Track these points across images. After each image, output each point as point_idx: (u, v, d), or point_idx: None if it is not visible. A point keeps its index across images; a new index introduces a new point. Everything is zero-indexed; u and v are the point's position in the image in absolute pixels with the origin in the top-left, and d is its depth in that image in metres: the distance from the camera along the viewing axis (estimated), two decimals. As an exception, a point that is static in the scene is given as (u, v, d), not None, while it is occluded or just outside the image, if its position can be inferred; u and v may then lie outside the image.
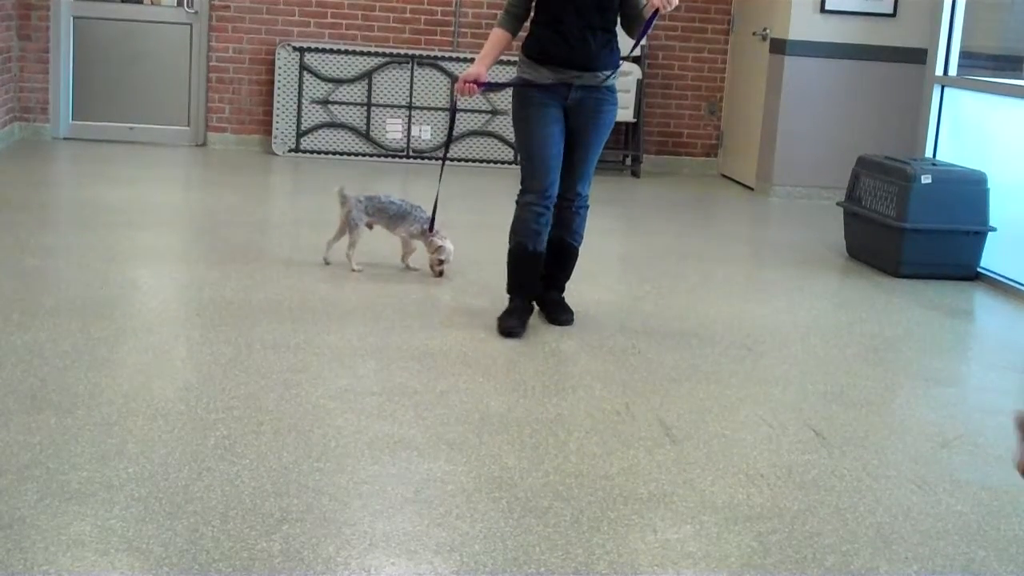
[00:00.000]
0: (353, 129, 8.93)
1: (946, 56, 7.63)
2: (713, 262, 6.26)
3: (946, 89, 7.43)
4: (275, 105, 8.86)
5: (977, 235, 6.15)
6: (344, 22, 9.04)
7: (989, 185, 6.18)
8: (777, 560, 2.86)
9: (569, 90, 4.56)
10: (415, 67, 8.92)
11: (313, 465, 3.24)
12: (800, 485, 3.33)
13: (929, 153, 7.34)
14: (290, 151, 8.89)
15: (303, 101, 8.85)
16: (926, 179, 6.11)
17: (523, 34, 4.73)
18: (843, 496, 3.28)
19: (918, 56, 8.09)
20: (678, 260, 6.29)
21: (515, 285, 4.72)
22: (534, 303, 4.81)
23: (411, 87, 8.92)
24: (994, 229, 6.16)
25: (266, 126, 9.01)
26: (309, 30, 9.01)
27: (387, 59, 8.90)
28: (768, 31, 8.57)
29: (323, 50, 8.85)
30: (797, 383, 4.28)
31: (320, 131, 8.91)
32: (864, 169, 6.55)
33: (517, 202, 4.66)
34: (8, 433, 3.32)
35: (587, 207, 4.78)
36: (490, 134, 8.92)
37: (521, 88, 4.63)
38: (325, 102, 8.87)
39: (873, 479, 3.41)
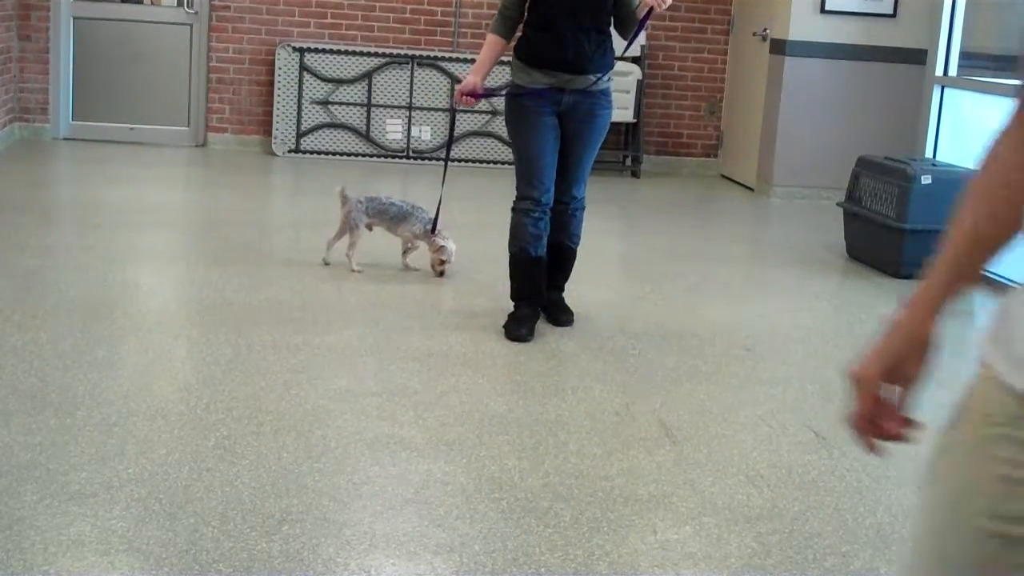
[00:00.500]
0: (353, 130, 8.93)
1: (946, 56, 7.64)
2: (713, 262, 6.26)
3: (946, 89, 7.43)
4: (275, 105, 8.86)
5: (977, 235, 6.14)
6: (344, 22, 9.04)
7: (989, 185, 6.17)
8: (777, 561, 2.86)
9: (563, 95, 4.53)
10: (415, 67, 8.92)
11: (313, 466, 3.24)
12: (800, 485, 3.33)
13: (929, 153, 7.34)
14: (290, 151, 8.89)
15: (303, 101, 8.85)
16: (926, 179, 6.11)
17: (517, 34, 4.71)
18: (843, 496, 3.28)
19: (918, 56, 8.09)
20: (678, 260, 6.29)
21: (521, 292, 4.70)
22: (540, 309, 4.80)
23: (411, 87, 8.93)
24: (994, 229, 6.15)
25: (266, 126, 9.01)
26: (309, 30, 9.01)
27: (387, 59, 8.90)
28: (768, 31, 8.57)
29: (323, 50, 8.85)
30: (797, 384, 4.28)
31: (320, 131, 8.91)
32: (864, 169, 6.55)
33: (513, 208, 4.65)
34: (8, 433, 3.32)
35: (583, 208, 4.77)
36: (490, 134, 8.92)
37: (514, 94, 4.61)
38: (325, 102, 8.87)
39: (873, 479, 3.41)
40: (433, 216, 5.40)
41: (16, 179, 7.44)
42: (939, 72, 7.61)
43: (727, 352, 4.60)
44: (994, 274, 6.22)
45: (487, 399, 3.88)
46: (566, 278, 4.88)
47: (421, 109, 8.93)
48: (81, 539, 2.73)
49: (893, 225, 6.14)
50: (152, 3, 8.95)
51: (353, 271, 5.44)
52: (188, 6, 8.88)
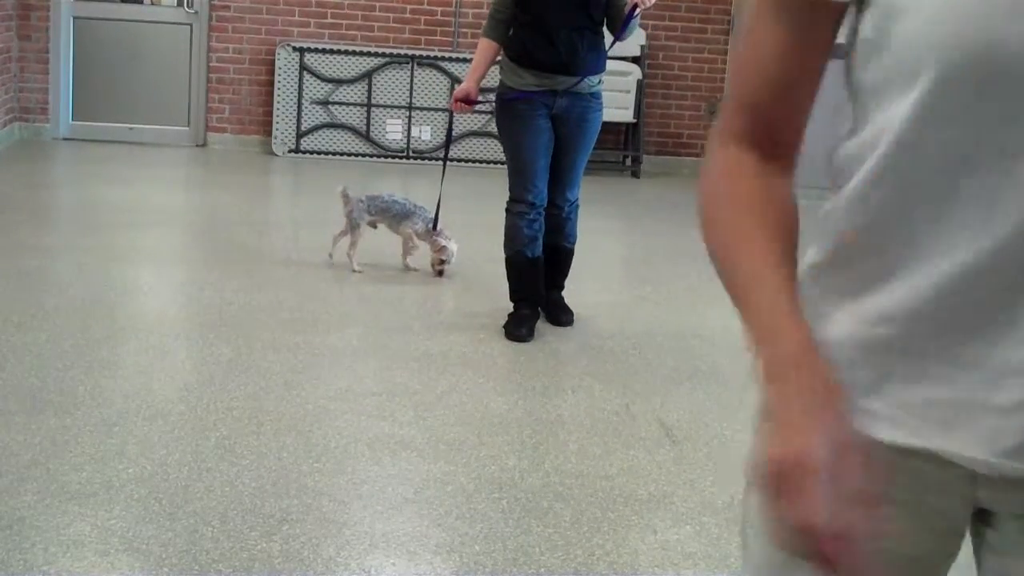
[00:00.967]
0: (353, 129, 8.93)
1: (946, 56, 7.63)
2: (713, 262, 6.25)
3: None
4: (275, 105, 8.86)
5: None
6: (344, 22, 9.04)
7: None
8: (777, 560, 2.86)
9: (555, 97, 4.51)
10: (415, 67, 8.92)
11: (313, 465, 3.24)
12: (800, 485, 3.33)
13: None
14: (290, 151, 8.89)
15: (303, 101, 8.85)
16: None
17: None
18: (843, 496, 3.27)
19: (918, 56, 8.07)
20: (678, 260, 6.29)
21: (520, 294, 4.70)
22: (539, 309, 4.80)
23: (411, 87, 8.92)
24: (994, 230, 6.15)
25: (266, 126, 9.01)
26: (309, 30, 9.00)
27: (387, 59, 8.90)
28: (768, 31, 8.56)
29: (323, 50, 8.85)
30: (797, 383, 4.27)
31: (320, 131, 8.91)
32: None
33: (507, 211, 4.64)
34: (8, 433, 3.31)
35: (578, 207, 4.76)
36: (489, 134, 8.91)
37: (506, 95, 4.57)
38: (325, 102, 8.87)
39: (873, 479, 3.41)
40: (434, 215, 5.41)
41: (16, 179, 7.43)
42: (939, 72, 7.61)
43: (727, 352, 4.60)
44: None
45: (487, 399, 3.88)
46: (565, 276, 4.88)
47: (421, 109, 8.93)
48: (81, 539, 2.73)
49: (893, 225, 6.13)
50: (152, 3, 8.95)
51: (354, 271, 5.44)
52: (188, 6, 8.88)
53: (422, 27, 9.08)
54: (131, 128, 8.97)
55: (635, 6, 4.31)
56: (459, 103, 4.62)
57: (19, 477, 3.03)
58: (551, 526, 2.96)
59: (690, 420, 3.81)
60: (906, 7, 1.02)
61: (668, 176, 9.26)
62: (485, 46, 4.60)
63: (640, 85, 8.94)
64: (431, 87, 8.93)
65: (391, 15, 9.06)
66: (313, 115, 8.88)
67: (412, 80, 8.92)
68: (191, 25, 8.93)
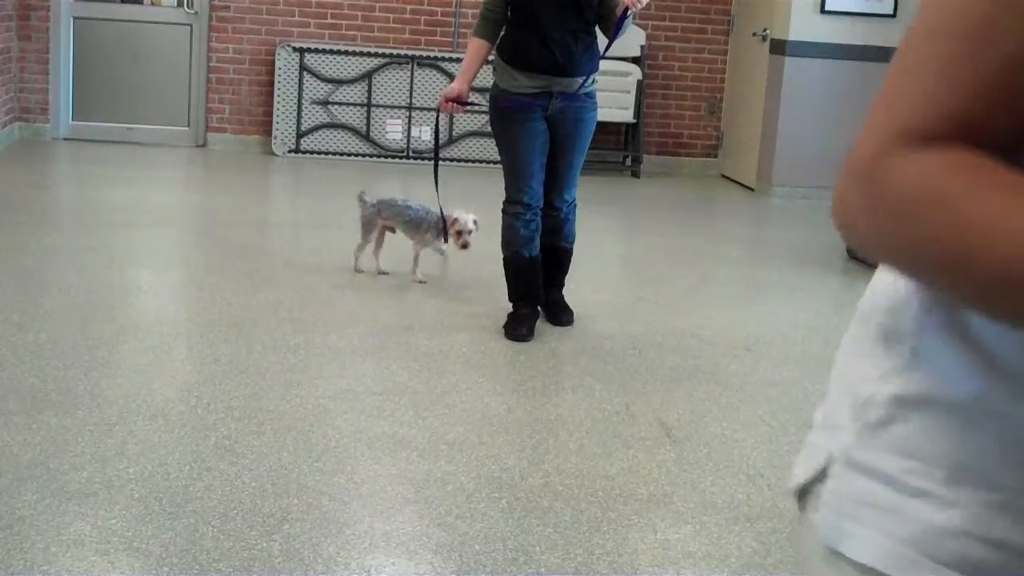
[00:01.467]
0: (353, 130, 8.93)
1: (946, 56, 7.63)
2: (713, 262, 6.26)
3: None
4: (275, 105, 8.86)
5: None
6: (344, 22, 9.04)
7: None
8: (777, 560, 2.86)
9: (550, 99, 4.50)
10: (415, 68, 8.92)
11: (313, 465, 3.24)
12: (800, 485, 3.33)
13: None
14: (290, 152, 8.89)
15: (303, 102, 8.85)
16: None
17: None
18: (843, 496, 3.27)
19: (918, 56, 8.07)
20: (678, 260, 6.29)
21: (519, 294, 4.70)
22: (539, 308, 4.80)
23: (411, 88, 8.92)
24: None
25: (266, 126, 9.01)
26: (309, 30, 9.00)
27: (387, 60, 8.90)
28: (768, 32, 8.57)
29: (323, 51, 8.85)
30: (797, 383, 4.28)
31: (320, 132, 8.91)
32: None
33: (504, 212, 4.64)
34: (8, 433, 3.31)
35: (575, 207, 4.75)
36: (490, 134, 8.91)
37: (500, 99, 4.56)
38: (325, 103, 8.87)
39: (873, 479, 3.41)
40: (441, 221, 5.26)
41: (16, 179, 7.44)
42: (939, 72, 7.61)
43: (727, 352, 4.60)
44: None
45: (487, 399, 3.88)
46: (564, 274, 4.87)
47: (421, 109, 8.93)
48: (81, 539, 2.73)
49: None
50: (152, 3, 8.95)
51: (357, 271, 5.43)
52: (188, 6, 8.88)
53: (422, 27, 9.08)
54: (131, 128, 8.97)
55: (627, 8, 4.29)
56: (450, 103, 4.60)
57: (19, 477, 3.03)
58: (551, 526, 2.96)
59: (690, 420, 3.81)
60: None
61: (668, 176, 9.26)
62: (476, 46, 4.59)
63: (640, 85, 8.94)
64: (431, 87, 8.93)
65: (391, 15, 9.06)
66: (313, 115, 8.88)
67: (412, 80, 8.92)
68: (191, 25, 8.93)
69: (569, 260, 4.84)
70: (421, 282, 5.37)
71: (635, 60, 8.90)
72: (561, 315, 4.82)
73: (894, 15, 8.23)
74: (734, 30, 9.27)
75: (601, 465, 3.38)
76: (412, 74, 8.92)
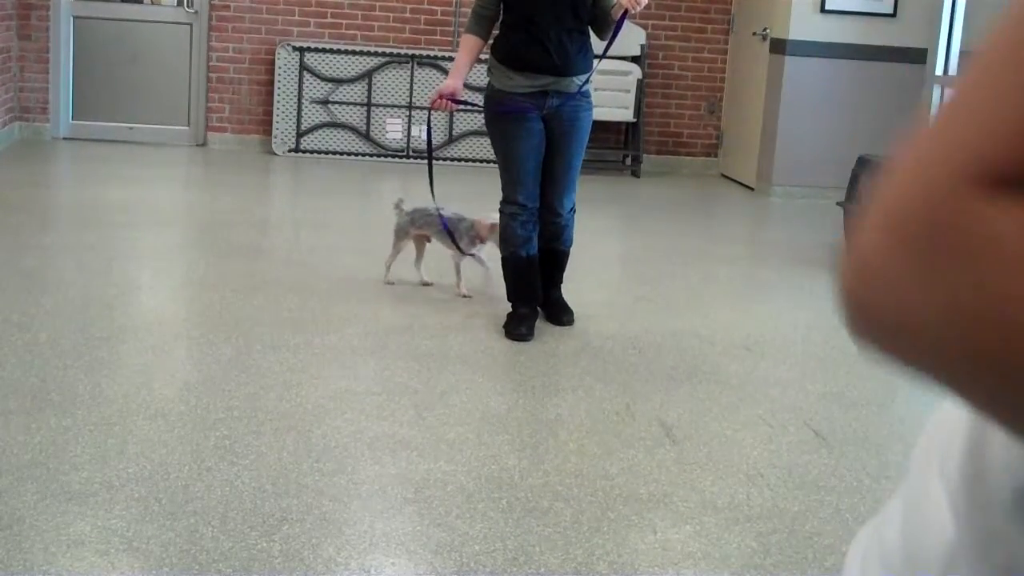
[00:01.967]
0: (353, 129, 8.93)
1: (946, 56, 7.64)
2: (713, 262, 6.26)
3: (946, 89, 7.42)
4: (275, 105, 8.86)
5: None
6: (344, 22, 9.04)
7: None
8: (777, 560, 2.86)
9: (546, 98, 4.50)
10: (415, 67, 8.92)
11: (313, 465, 3.24)
12: (800, 485, 3.33)
13: (929, 153, 7.33)
14: (290, 151, 8.89)
15: (303, 101, 8.85)
16: (926, 179, 6.10)
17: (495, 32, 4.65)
18: (843, 496, 3.27)
19: (918, 56, 8.09)
20: (678, 260, 6.29)
21: (518, 294, 4.70)
22: (538, 308, 4.79)
23: (411, 87, 8.92)
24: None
25: (266, 126, 9.01)
26: (309, 30, 9.00)
27: (387, 59, 8.90)
28: (768, 31, 8.57)
29: (323, 50, 8.85)
30: (797, 383, 4.28)
31: (320, 131, 8.91)
32: (864, 169, 6.54)
33: (500, 212, 4.64)
34: (8, 433, 3.31)
35: (574, 212, 4.74)
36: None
37: (496, 98, 4.55)
38: (325, 102, 8.87)
39: (873, 479, 3.41)
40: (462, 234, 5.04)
41: (16, 179, 7.44)
42: (939, 72, 7.61)
43: (727, 351, 4.60)
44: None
45: (487, 399, 3.88)
46: (562, 273, 4.86)
47: (421, 109, 8.92)
48: (81, 539, 2.73)
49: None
50: (152, 3, 8.95)
51: (386, 283, 5.21)
52: (188, 6, 8.88)
53: (422, 27, 9.07)
54: (131, 128, 8.97)
55: (625, 11, 4.29)
56: (444, 99, 4.60)
57: (19, 477, 3.03)
58: (551, 526, 2.96)
59: (690, 420, 3.81)
60: None
61: (668, 176, 9.26)
62: (469, 42, 4.58)
63: (640, 85, 8.94)
64: (431, 87, 8.91)
65: (391, 15, 9.06)
66: (313, 115, 8.88)
67: (412, 80, 8.92)
68: (191, 25, 8.93)
69: (566, 260, 4.84)
70: (466, 296, 5.11)
71: (635, 59, 8.90)
72: (561, 315, 4.81)
73: (894, 15, 8.22)
74: (734, 29, 9.27)
75: (601, 465, 3.37)
76: (412, 73, 8.92)
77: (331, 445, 3.39)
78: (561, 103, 4.51)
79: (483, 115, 4.75)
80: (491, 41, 4.65)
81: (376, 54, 8.91)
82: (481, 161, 8.97)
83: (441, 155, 8.56)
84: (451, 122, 8.87)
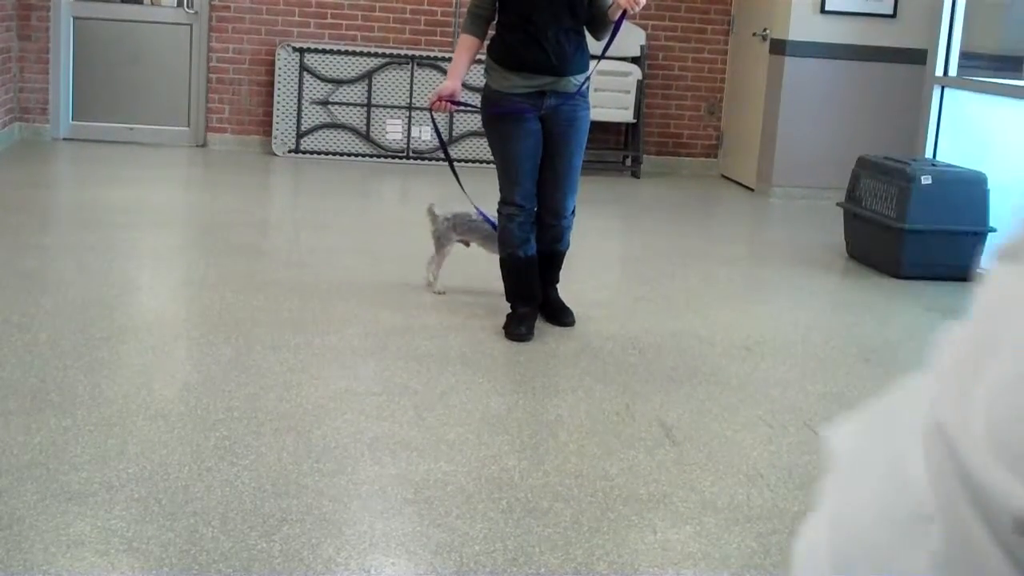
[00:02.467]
0: (353, 130, 8.93)
1: (946, 56, 7.64)
2: (713, 262, 6.26)
3: (946, 89, 7.43)
4: (275, 105, 8.86)
5: (977, 236, 6.15)
6: (344, 22, 9.04)
7: (989, 186, 6.18)
8: (777, 560, 2.86)
9: (544, 99, 4.49)
10: (415, 68, 8.92)
11: (313, 466, 3.24)
12: (800, 485, 3.33)
13: (929, 153, 7.34)
14: (290, 152, 8.89)
15: (303, 102, 8.85)
16: (926, 180, 6.11)
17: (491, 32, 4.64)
18: (843, 496, 3.27)
19: (918, 56, 8.09)
20: (678, 260, 6.29)
21: (517, 294, 4.70)
22: (537, 308, 4.79)
23: (411, 88, 8.92)
24: (994, 230, 6.16)
25: (266, 126, 9.01)
26: (309, 30, 9.00)
27: (387, 59, 8.90)
28: (768, 32, 8.57)
29: (323, 51, 8.85)
30: (797, 384, 4.28)
31: (320, 132, 8.91)
32: (864, 169, 6.55)
33: (498, 212, 4.65)
34: (8, 433, 3.31)
35: (574, 215, 4.74)
36: (490, 134, 8.92)
37: (493, 99, 4.55)
38: (325, 103, 8.87)
39: (873, 479, 3.41)
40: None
41: (16, 179, 7.44)
42: (939, 72, 7.61)
43: (727, 352, 4.60)
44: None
45: (487, 398, 3.88)
46: (558, 271, 4.85)
47: (421, 109, 8.92)
48: (81, 539, 2.73)
49: (893, 225, 6.14)
50: (152, 3, 8.95)
51: (437, 292, 5.12)
52: (188, 6, 8.88)
53: (422, 27, 9.07)
54: (131, 128, 8.97)
55: (624, 12, 4.29)
56: (444, 101, 4.60)
57: (19, 477, 3.03)
58: (551, 526, 2.96)
59: (690, 420, 3.81)
60: None
61: (668, 176, 9.26)
62: (467, 43, 4.58)
63: (640, 85, 8.94)
64: (431, 87, 8.90)
65: (391, 15, 9.06)
66: (313, 115, 8.88)
67: (412, 80, 8.92)
68: (191, 25, 8.93)
69: (562, 260, 4.83)
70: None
71: (635, 60, 8.90)
72: (562, 316, 4.81)
73: (894, 15, 8.22)
74: (734, 30, 9.27)
75: (601, 465, 3.37)
76: (412, 74, 8.92)
77: (331, 446, 3.39)
78: (559, 103, 4.50)
79: (480, 116, 4.75)
80: (487, 42, 4.65)
81: (376, 55, 8.91)
82: (482, 161, 8.97)
83: (440, 155, 8.56)
84: (451, 123, 8.87)
